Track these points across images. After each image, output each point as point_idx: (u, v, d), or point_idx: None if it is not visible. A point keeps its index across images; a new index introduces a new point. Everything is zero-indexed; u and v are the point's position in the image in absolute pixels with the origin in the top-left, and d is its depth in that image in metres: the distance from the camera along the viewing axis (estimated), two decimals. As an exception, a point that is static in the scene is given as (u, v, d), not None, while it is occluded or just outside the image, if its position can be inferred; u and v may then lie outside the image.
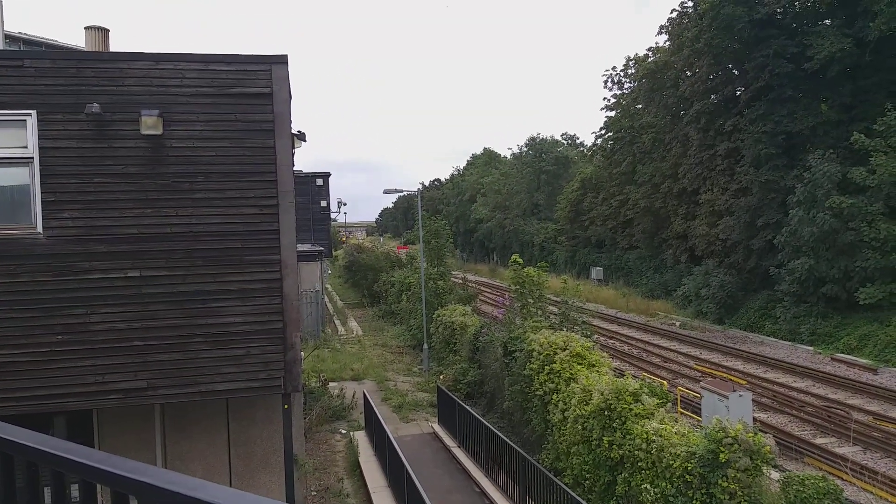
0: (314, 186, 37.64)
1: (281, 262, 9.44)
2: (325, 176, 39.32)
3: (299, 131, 13.63)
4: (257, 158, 9.40)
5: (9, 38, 21.88)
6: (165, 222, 9.11)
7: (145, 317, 9.02)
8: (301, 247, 24.31)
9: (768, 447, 9.91)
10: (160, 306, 9.07)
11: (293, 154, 11.67)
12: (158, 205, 9.10)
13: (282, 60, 9.58)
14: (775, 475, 13.84)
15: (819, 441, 18.21)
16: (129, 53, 9.39)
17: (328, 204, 39.91)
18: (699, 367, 26.95)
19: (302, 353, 10.72)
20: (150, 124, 8.86)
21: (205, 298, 9.20)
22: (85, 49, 13.94)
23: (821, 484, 9.99)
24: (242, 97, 9.36)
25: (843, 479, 14.83)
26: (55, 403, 8.80)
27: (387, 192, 30.06)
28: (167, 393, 9.22)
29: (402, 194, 43.03)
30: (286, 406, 9.87)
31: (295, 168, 13.48)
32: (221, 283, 9.26)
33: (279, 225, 9.44)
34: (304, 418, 15.81)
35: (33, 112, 8.74)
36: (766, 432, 17.19)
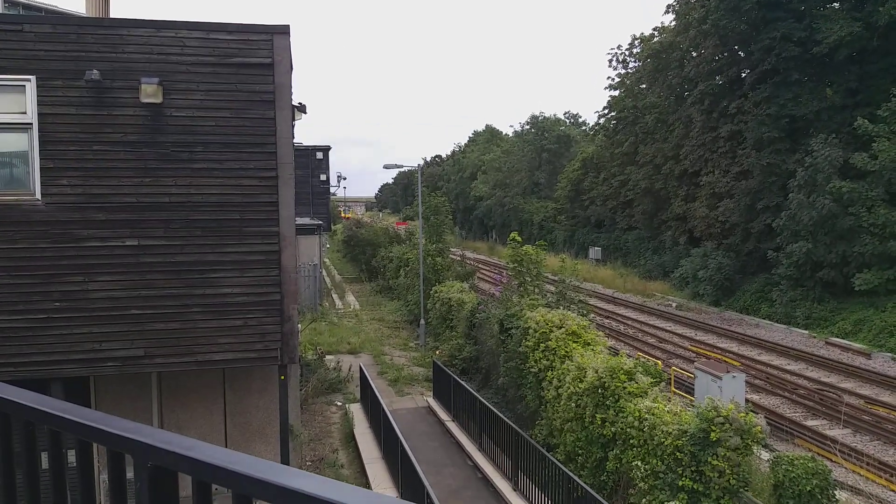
0: (314, 160, 37.52)
1: (279, 235, 9.46)
2: (326, 149, 39.17)
3: (300, 103, 13.54)
4: (257, 129, 9.37)
5: (8, 2, 21.65)
6: (164, 191, 9.11)
7: (143, 286, 9.06)
8: (300, 220, 24.29)
9: (759, 427, 10.02)
10: (158, 275, 9.11)
11: (293, 126, 11.62)
12: (157, 174, 9.09)
13: (284, 31, 9.51)
14: (765, 455, 14.01)
15: (810, 423, 18.40)
16: (129, 20, 9.31)
17: (328, 178, 39.82)
18: (694, 348, 27.12)
19: (299, 325, 10.78)
20: (149, 92, 8.82)
21: (203, 269, 9.23)
22: (85, 15, 13.81)
23: (810, 464, 10.12)
24: (243, 67, 9.30)
25: (832, 460, 15.02)
26: (52, 370, 8.86)
27: (387, 167, 29.93)
28: (164, 362, 9.29)
29: (402, 170, 42.66)
30: (282, 377, 9.96)
31: (295, 140, 13.43)
32: (220, 254, 9.29)
33: (278, 197, 9.44)
34: (301, 390, 15.94)
35: (33, 78, 8.69)
36: (757, 413, 17.34)
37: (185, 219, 9.20)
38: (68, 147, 8.87)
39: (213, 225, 9.28)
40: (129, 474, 1.37)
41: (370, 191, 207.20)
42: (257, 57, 9.35)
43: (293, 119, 11.93)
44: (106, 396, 10.45)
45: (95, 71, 8.71)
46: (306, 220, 31.49)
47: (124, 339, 9.03)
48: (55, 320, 8.84)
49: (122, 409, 10.31)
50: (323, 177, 38.72)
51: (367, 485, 13.13)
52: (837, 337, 27.53)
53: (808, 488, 9.78)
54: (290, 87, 9.76)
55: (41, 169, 8.75)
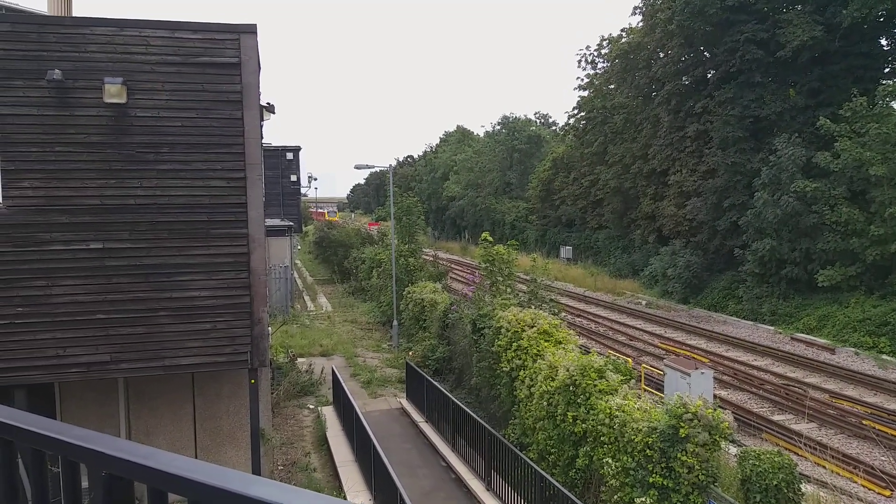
0: (284, 160, 37.22)
1: (248, 237, 9.36)
2: (296, 150, 38.87)
3: (268, 103, 13.41)
4: (225, 130, 9.26)
5: (-35, -1, 21.05)
6: (129, 193, 8.96)
7: (109, 289, 8.89)
8: (270, 221, 24.09)
9: (727, 423, 10.18)
10: (124, 279, 8.95)
11: (262, 126, 11.50)
12: (122, 175, 8.93)
13: (251, 30, 9.41)
14: (733, 450, 14.23)
15: (776, 418, 18.75)
16: (92, 19, 9.13)
17: (298, 178, 39.54)
18: (663, 346, 27.46)
19: (270, 328, 10.68)
20: (113, 92, 8.67)
21: (170, 272, 9.10)
22: (46, 13, 13.50)
23: (776, 458, 10.30)
24: (209, 66, 9.18)
25: (797, 454, 15.32)
26: (15, 377, 8.65)
27: (358, 167, 29.76)
28: (131, 367, 9.13)
29: (373, 170, 42.53)
30: (253, 381, 9.85)
31: (264, 141, 13.30)
32: (187, 257, 9.16)
33: (247, 198, 9.34)
34: (272, 393, 15.78)
35: (-9, 77, 8.48)
36: (725, 409, 17.64)
37: (152, 221, 9.06)
38: (29, 149, 8.67)
39: (181, 227, 9.15)
40: (85, 484, 1.33)
41: (342, 191, 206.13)
42: (224, 56, 9.24)
43: (261, 119, 11.81)
44: (71, 403, 10.24)
45: (57, 70, 8.53)
46: (276, 222, 31.22)
47: (89, 344, 8.86)
48: (17, 326, 8.64)
49: (87, 416, 10.11)
50: (293, 177, 38.44)
51: (340, 488, 13.04)
52: (802, 332, 28.10)
53: (775, 482, 9.96)
54: (258, 87, 9.66)
55: (1, 171, 8.55)
